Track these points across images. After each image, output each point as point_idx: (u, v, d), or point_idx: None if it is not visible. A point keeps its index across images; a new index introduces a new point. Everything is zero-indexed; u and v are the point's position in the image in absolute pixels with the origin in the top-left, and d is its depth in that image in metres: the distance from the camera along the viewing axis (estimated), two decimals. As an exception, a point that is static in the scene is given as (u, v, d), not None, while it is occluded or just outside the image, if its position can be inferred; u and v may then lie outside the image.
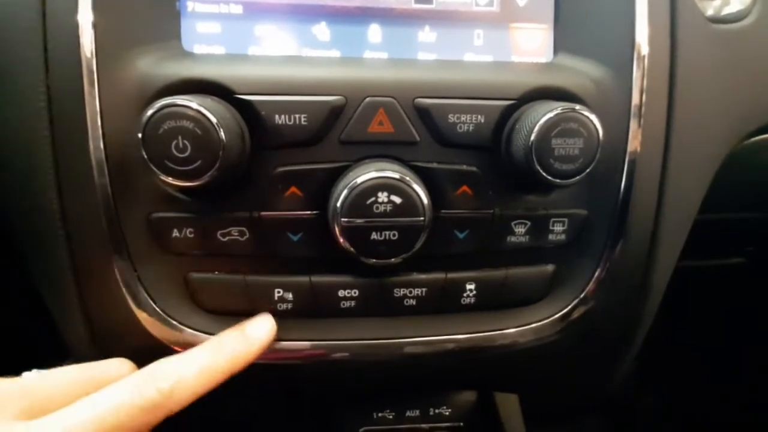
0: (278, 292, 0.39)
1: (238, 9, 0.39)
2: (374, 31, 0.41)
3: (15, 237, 0.39)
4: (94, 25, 0.34)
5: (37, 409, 0.31)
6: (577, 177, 0.35)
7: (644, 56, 0.39)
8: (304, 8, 0.40)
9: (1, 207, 0.38)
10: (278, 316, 0.39)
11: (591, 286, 0.43)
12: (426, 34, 0.41)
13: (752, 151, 0.53)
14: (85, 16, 0.34)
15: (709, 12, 0.43)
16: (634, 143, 0.40)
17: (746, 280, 0.99)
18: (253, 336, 0.37)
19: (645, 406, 1.08)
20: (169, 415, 0.32)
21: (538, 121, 0.34)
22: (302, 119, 0.35)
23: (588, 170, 0.35)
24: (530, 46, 0.42)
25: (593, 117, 0.35)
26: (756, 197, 0.65)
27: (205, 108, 0.32)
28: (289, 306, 0.39)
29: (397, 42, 0.41)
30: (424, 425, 0.55)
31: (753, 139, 0.52)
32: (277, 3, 0.40)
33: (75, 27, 0.34)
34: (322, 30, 0.40)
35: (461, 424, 0.56)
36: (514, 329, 0.43)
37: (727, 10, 0.45)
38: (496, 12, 0.41)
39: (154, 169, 0.31)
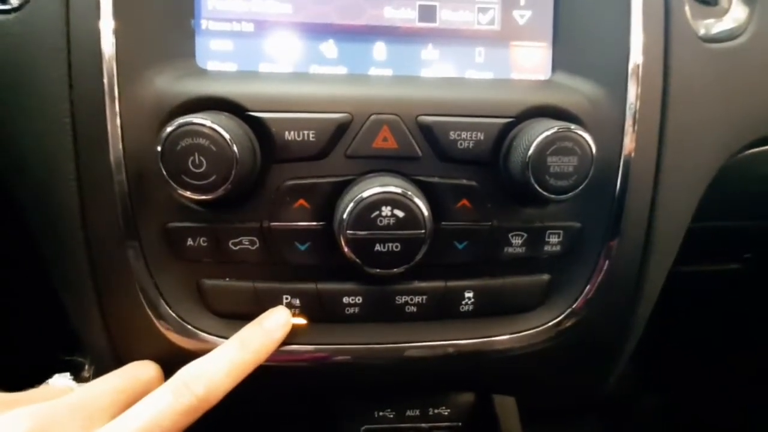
0: (286, 298, 0.41)
1: (249, 27, 0.41)
2: (379, 49, 0.42)
3: (37, 243, 0.41)
4: (116, 46, 0.36)
5: (88, 423, 0.33)
6: (572, 193, 0.36)
7: (638, 75, 0.40)
8: (312, 26, 0.41)
9: (23, 215, 0.40)
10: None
11: (585, 294, 0.44)
12: (429, 52, 0.43)
13: (747, 163, 0.54)
14: (107, 37, 0.36)
15: (702, 31, 0.44)
16: (626, 159, 0.41)
17: (744, 284, 1.00)
18: (271, 328, 0.40)
19: (645, 406, 1.09)
20: (204, 412, 0.35)
21: (534, 140, 0.36)
22: (310, 135, 0.37)
23: (582, 186, 0.37)
24: (529, 63, 0.43)
25: (587, 136, 0.36)
26: (752, 207, 0.66)
27: (220, 126, 0.33)
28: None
29: (401, 59, 0.42)
30: (423, 425, 0.56)
31: (748, 152, 0.54)
32: (286, 21, 0.41)
33: (97, 47, 0.36)
34: (329, 47, 0.42)
35: (460, 424, 0.57)
36: (510, 335, 0.44)
37: (720, 28, 0.46)
38: (497, 30, 0.43)
39: (172, 183, 0.33)
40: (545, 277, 0.44)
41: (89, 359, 1.05)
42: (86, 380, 1.05)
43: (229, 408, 0.52)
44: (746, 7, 0.47)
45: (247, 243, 0.39)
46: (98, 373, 0.46)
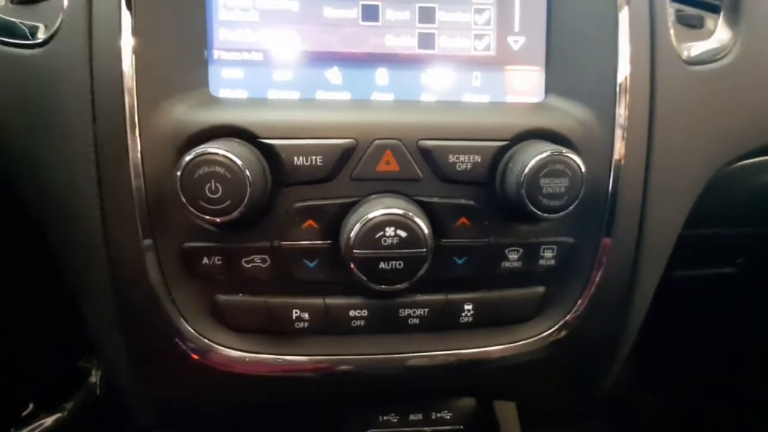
0: (296, 312, 0.43)
1: (258, 56, 0.44)
2: (381, 75, 0.45)
3: (59, 260, 0.44)
4: (135, 79, 0.39)
5: None
6: (563, 212, 0.39)
7: (626, 98, 0.43)
8: (318, 54, 0.44)
9: (46, 236, 0.43)
10: (296, 333, 0.44)
11: (579, 305, 0.47)
12: (428, 77, 0.45)
13: (737, 175, 0.57)
14: (127, 71, 0.39)
15: (687, 54, 0.46)
16: (616, 177, 0.43)
17: (739, 287, 1.02)
18: None
19: (645, 406, 1.10)
20: None
21: (528, 163, 0.38)
22: (318, 160, 0.40)
23: (573, 206, 0.39)
24: (523, 86, 0.46)
25: (578, 159, 0.39)
26: (742, 215, 0.69)
27: (234, 154, 0.36)
28: (306, 324, 0.44)
29: (402, 84, 0.45)
30: (426, 428, 0.59)
31: (737, 165, 0.56)
32: (293, 50, 0.44)
33: (119, 80, 0.39)
34: (334, 74, 0.45)
35: (461, 427, 0.60)
36: (508, 345, 0.47)
37: (704, 49, 0.48)
38: (492, 56, 0.46)
39: (190, 208, 0.36)
40: (540, 289, 0.47)
41: (96, 365, 1.07)
42: (93, 386, 1.07)
43: (240, 414, 0.55)
44: (730, 30, 0.49)
45: (258, 261, 0.42)
46: (114, 382, 0.48)
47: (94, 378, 1.02)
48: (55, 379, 0.98)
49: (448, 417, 0.60)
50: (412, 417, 0.60)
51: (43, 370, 1.00)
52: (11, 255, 0.68)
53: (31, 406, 0.93)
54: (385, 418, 0.59)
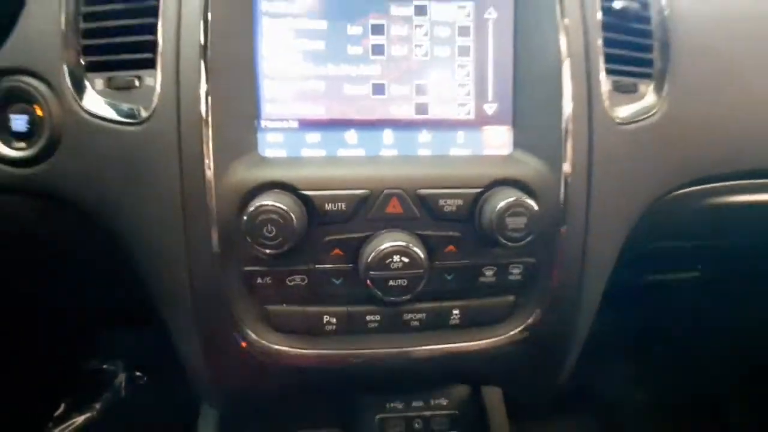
0: (326, 318, 0.53)
1: (294, 124, 0.53)
2: (388, 135, 0.54)
3: (145, 283, 0.55)
4: (212, 148, 0.48)
5: None
6: (524, 241, 0.50)
7: (570, 154, 0.52)
8: (339, 121, 0.53)
9: (136, 263, 0.54)
10: (326, 334, 0.53)
11: (540, 309, 0.56)
12: (424, 136, 0.54)
13: (671, 202, 0.66)
14: (207, 141, 0.48)
15: (621, 115, 0.56)
16: (563, 213, 0.52)
17: (705, 290, 1.10)
18: None
19: (635, 403, 1.17)
20: None
21: (497, 206, 0.49)
22: (342, 206, 0.49)
23: (531, 236, 0.50)
24: (496, 142, 0.55)
25: (533, 203, 0.49)
26: (686, 232, 0.78)
27: (284, 205, 0.48)
28: (333, 327, 0.53)
29: (403, 142, 0.54)
30: (426, 413, 0.68)
31: (669, 195, 0.64)
32: (320, 119, 0.53)
33: (200, 148, 0.49)
34: (351, 135, 0.54)
35: (456, 412, 0.69)
36: (486, 341, 0.56)
37: (634, 110, 0.58)
38: (472, 119, 0.55)
39: (252, 244, 0.47)
40: (510, 298, 0.56)
41: (121, 368, 1.17)
42: (119, 388, 1.16)
43: (269, 401, 0.67)
44: (657, 94, 0.59)
45: (298, 280, 0.52)
46: (191, 375, 0.59)
47: (120, 380, 1.11)
48: (85, 382, 1.08)
49: (445, 403, 0.69)
50: (414, 404, 0.68)
51: (74, 374, 1.08)
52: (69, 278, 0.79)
53: (62, 406, 1.04)
54: (391, 405, 0.68)
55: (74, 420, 1.05)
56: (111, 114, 0.51)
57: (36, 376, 1.02)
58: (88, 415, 1.05)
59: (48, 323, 1.03)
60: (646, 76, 0.59)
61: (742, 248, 0.86)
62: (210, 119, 0.49)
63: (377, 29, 0.53)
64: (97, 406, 1.07)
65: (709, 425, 1.11)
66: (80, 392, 1.08)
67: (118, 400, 1.09)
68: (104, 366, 1.12)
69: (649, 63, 0.59)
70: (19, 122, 0.53)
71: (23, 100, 0.52)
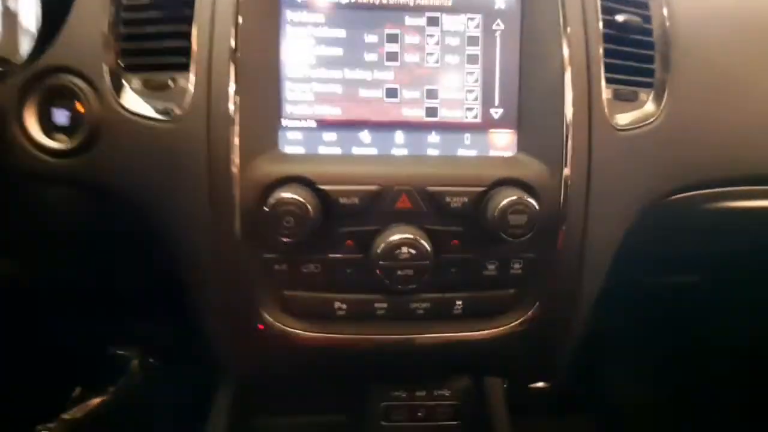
0: (338, 304, 0.56)
1: (312, 123, 0.56)
2: (399, 136, 0.57)
3: (178, 266, 0.59)
4: (239, 144, 0.51)
5: None
6: (524, 237, 0.53)
7: (570, 157, 0.54)
8: (354, 122, 0.56)
9: (169, 249, 0.59)
10: (338, 318, 0.56)
11: (538, 302, 0.58)
12: (433, 137, 0.57)
13: (669, 206, 0.68)
14: (234, 138, 0.52)
15: (621, 122, 0.60)
16: (563, 213, 0.55)
17: (706, 294, 1.13)
18: None
19: (635, 403, 1.17)
20: None
21: (499, 204, 0.51)
22: (356, 200, 0.52)
23: (531, 233, 0.54)
24: (501, 144, 0.58)
25: (534, 202, 0.52)
26: (680, 237, 0.79)
27: (302, 197, 0.52)
28: (344, 313, 0.56)
29: (414, 142, 0.57)
30: (429, 402, 0.70)
31: (666, 200, 0.67)
32: (337, 119, 0.56)
33: (228, 146, 0.52)
34: (365, 135, 0.57)
35: (458, 403, 0.71)
36: (487, 331, 0.58)
37: (634, 117, 0.61)
38: (479, 122, 0.57)
39: (272, 233, 0.51)
40: (511, 291, 0.58)
41: (135, 353, 1.21)
42: (133, 372, 1.20)
43: (280, 387, 0.70)
44: (657, 103, 0.62)
45: (313, 268, 0.55)
46: (213, 354, 0.63)
47: (135, 366, 1.14)
48: (101, 366, 1.12)
49: (447, 394, 0.71)
50: (418, 393, 0.71)
51: (90, 358, 1.12)
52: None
53: (78, 389, 1.07)
54: (396, 393, 0.70)
55: (90, 402, 1.07)
56: (147, 111, 0.55)
57: (55, 359, 1.06)
58: (103, 397, 1.08)
59: (70, 309, 1.07)
60: (647, 85, 0.62)
61: (741, 253, 0.87)
62: (237, 118, 0.52)
63: (392, 38, 0.56)
64: (112, 389, 1.10)
65: (709, 425, 1.12)
66: (96, 376, 1.11)
67: (132, 384, 1.12)
68: (120, 352, 1.16)
69: (649, 73, 0.61)
70: (60, 116, 0.57)
71: (66, 96, 0.57)
